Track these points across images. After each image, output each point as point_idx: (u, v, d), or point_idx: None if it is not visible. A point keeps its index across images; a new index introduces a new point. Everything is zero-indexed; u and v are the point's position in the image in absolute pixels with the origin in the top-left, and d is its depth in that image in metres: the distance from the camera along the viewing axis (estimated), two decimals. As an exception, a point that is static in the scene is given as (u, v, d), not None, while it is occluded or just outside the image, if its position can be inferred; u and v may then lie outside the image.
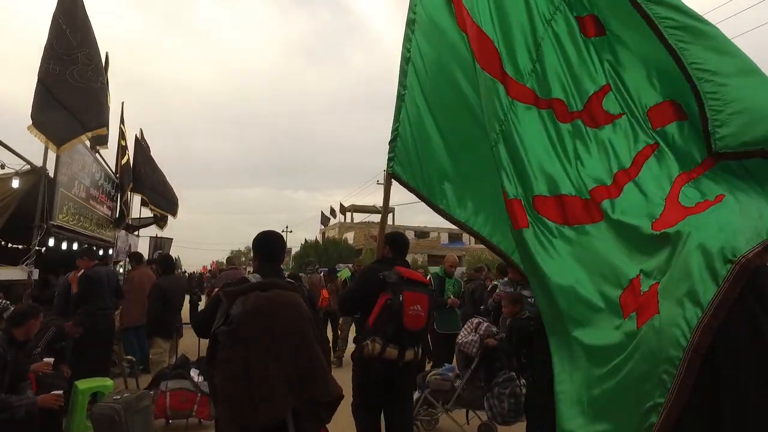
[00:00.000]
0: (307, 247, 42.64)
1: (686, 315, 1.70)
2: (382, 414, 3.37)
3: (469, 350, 4.42)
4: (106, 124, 7.29)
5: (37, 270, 6.22)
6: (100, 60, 7.32)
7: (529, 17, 2.69)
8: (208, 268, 48.61)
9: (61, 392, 3.47)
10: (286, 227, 55.56)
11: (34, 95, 5.71)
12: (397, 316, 3.10)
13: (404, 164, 3.36)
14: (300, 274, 7.47)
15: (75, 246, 7.48)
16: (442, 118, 3.23)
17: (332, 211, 51.07)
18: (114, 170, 10.67)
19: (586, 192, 2.34)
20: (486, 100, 2.67)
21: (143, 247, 16.51)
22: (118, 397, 3.62)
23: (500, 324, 4.95)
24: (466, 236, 53.52)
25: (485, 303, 6.62)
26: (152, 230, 18.20)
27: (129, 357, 5.55)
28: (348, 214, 51.65)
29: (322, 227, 52.80)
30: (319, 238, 48.32)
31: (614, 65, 2.49)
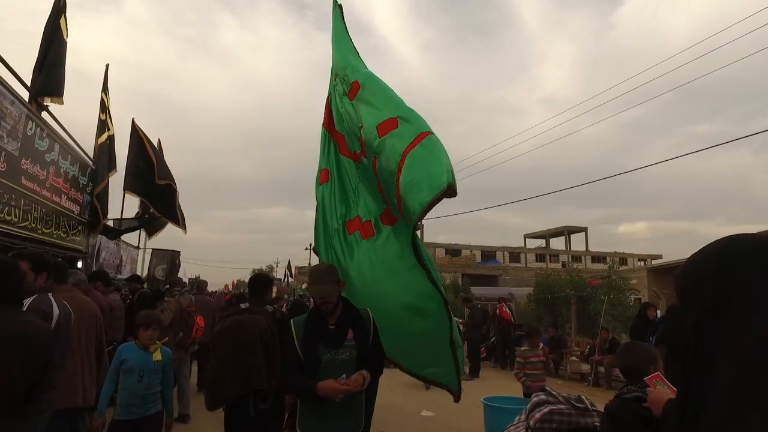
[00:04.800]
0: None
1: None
2: None
3: None
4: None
5: None
6: None
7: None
8: (230, 287, 46.33)
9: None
10: (310, 245, 52.86)
11: None
12: None
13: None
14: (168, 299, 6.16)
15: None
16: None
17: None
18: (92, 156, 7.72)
19: (366, 216, 3.45)
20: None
21: (144, 261, 13.51)
22: None
23: None
24: (500, 254, 49.99)
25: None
26: (157, 241, 15.20)
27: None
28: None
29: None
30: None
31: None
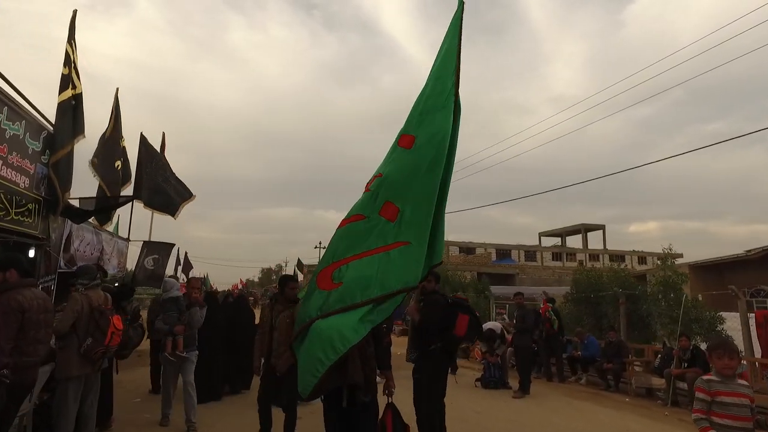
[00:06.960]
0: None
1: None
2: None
3: None
4: None
5: None
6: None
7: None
8: (239, 286, 45.06)
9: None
10: (320, 243, 51.45)
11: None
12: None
13: None
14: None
15: None
16: None
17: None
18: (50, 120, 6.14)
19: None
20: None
21: (133, 254, 11.91)
22: None
23: None
24: (515, 252, 48.11)
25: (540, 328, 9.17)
26: (159, 238, 13.69)
27: None
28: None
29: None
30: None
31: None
